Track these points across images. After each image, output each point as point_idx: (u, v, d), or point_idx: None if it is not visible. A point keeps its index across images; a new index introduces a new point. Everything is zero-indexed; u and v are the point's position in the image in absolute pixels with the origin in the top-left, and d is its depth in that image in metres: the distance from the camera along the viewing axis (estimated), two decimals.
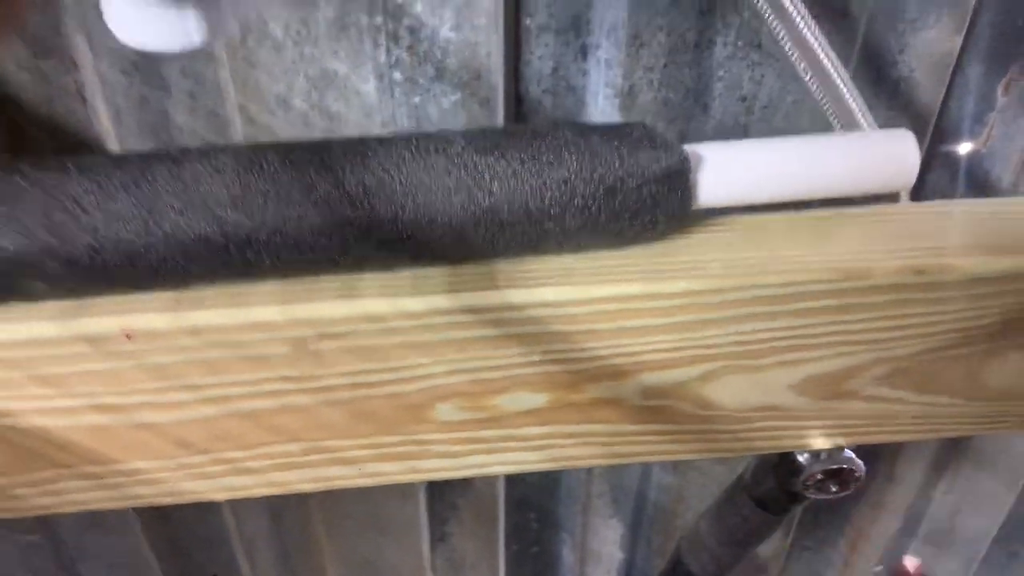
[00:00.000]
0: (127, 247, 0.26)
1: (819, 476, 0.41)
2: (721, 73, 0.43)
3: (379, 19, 0.38)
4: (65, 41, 0.38)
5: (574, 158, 0.27)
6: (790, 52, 0.32)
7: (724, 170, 0.29)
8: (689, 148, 0.29)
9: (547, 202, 0.27)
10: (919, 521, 0.69)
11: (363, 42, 0.39)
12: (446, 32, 0.39)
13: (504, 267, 0.29)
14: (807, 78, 0.32)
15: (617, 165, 0.27)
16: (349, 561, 0.62)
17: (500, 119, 0.42)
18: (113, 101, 0.39)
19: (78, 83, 0.39)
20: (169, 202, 0.26)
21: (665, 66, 0.42)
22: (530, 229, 0.28)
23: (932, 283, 0.30)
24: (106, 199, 0.26)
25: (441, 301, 0.28)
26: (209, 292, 0.28)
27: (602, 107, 0.44)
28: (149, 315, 0.27)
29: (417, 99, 0.41)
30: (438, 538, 0.63)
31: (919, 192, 0.51)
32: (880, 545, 0.71)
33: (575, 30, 0.41)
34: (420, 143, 0.27)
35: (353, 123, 0.41)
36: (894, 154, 0.29)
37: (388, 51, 0.39)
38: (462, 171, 0.27)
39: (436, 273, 0.29)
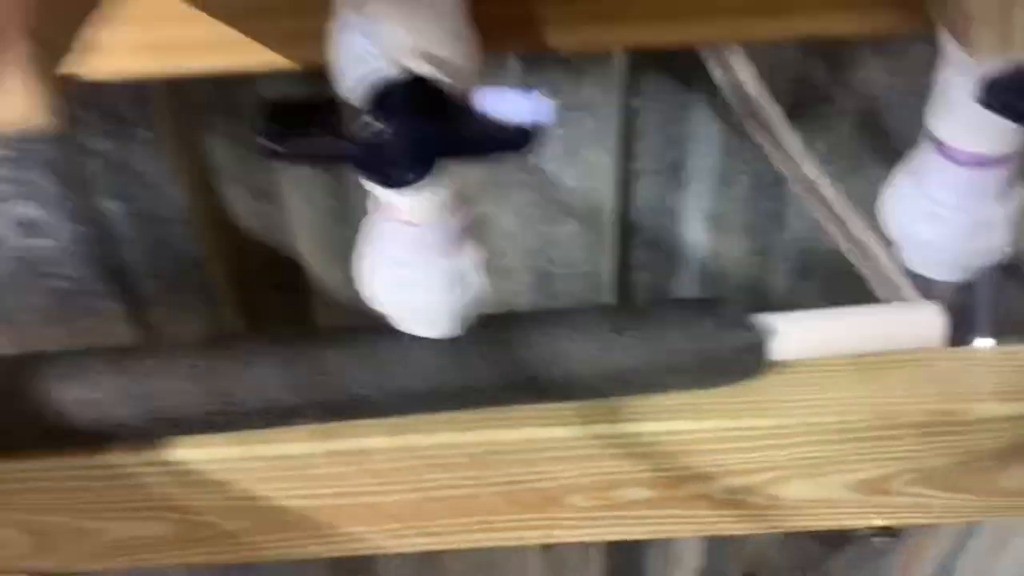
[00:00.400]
0: (363, 399, 0.37)
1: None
2: (794, 202, 0.52)
3: (522, 176, 0.48)
4: (277, 188, 0.50)
5: (681, 336, 0.37)
6: (826, 226, 0.41)
7: (790, 337, 0.39)
8: (765, 320, 0.39)
9: (658, 367, 0.38)
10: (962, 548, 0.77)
11: (510, 191, 0.49)
12: (571, 182, 0.49)
13: (623, 404, 0.40)
14: (845, 249, 0.41)
15: (712, 342, 0.37)
16: (469, 563, 0.75)
17: (609, 239, 0.52)
18: (313, 235, 0.51)
19: (286, 220, 0.51)
20: (394, 369, 0.37)
21: (747, 198, 0.51)
22: (644, 383, 0.38)
23: (951, 421, 0.39)
24: (349, 366, 0.37)
25: (577, 431, 0.39)
26: (417, 419, 0.39)
27: (693, 228, 0.53)
28: (376, 439, 0.39)
29: (546, 228, 0.51)
30: (545, 545, 0.75)
31: None
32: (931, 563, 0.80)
33: (674, 172, 0.51)
34: (568, 323, 0.38)
35: (494, 246, 0.52)
36: (924, 326, 0.39)
37: (527, 196, 0.50)
38: (597, 345, 0.37)
39: (572, 408, 0.40)
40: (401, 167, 0.22)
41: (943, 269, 0.31)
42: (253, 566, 0.74)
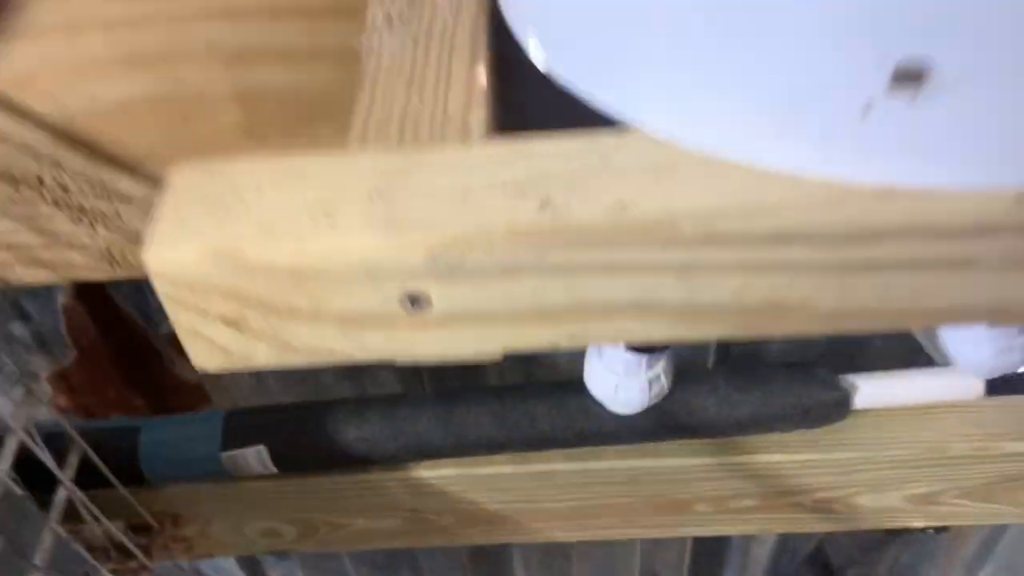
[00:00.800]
0: (551, 438, 0.52)
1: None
2: None
3: None
4: None
5: (787, 393, 0.51)
6: None
7: (868, 393, 0.52)
8: (849, 380, 0.52)
9: (767, 418, 0.52)
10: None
11: None
12: None
13: (740, 441, 0.54)
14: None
15: (809, 398, 0.51)
16: (591, 557, 0.91)
17: None
18: None
19: None
20: (575, 416, 0.52)
21: None
22: (756, 427, 0.53)
23: (986, 455, 0.53)
24: (543, 413, 0.52)
25: (706, 460, 0.54)
26: (589, 450, 0.54)
27: None
28: (558, 463, 0.54)
29: None
30: None
31: None
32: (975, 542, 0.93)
33: None
34: (702, 384, 0.52)
35: None
36: (966, 386, 0.52)
37: None
38: (723, 403, 0.52)
39: (703, 443, 0.54)
40: (657, 347, 0.36)
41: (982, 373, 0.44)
42: (416, 556, 0.90)
